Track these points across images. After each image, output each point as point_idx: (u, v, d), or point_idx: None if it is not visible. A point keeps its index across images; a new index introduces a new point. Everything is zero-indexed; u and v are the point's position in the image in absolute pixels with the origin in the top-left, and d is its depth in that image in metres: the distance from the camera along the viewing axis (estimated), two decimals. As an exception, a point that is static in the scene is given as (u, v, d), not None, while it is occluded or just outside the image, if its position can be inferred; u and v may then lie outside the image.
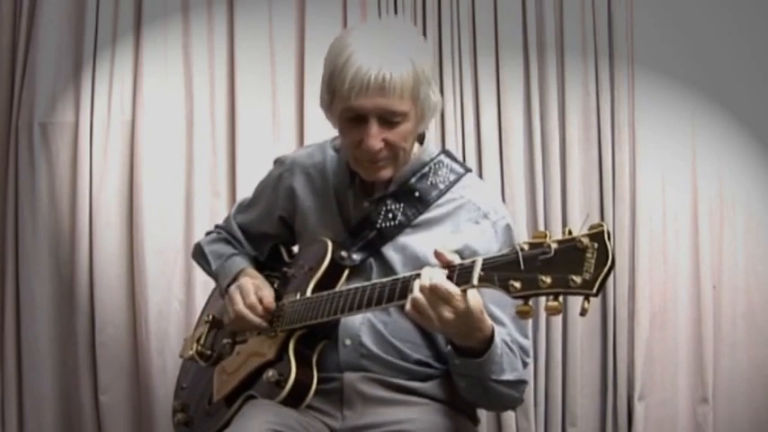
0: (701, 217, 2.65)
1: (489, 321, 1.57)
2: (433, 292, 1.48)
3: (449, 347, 1.64)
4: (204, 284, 2.41)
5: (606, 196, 2.65)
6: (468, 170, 1.84)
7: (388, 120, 1.66)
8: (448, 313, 1.49)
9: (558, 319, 2.62)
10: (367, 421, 1.70)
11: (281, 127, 2.69)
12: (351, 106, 1.65)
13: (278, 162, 1.98)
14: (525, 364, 1.72)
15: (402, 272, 1.69)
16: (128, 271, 2.68)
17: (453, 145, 2.63)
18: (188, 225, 2.66)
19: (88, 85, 2.66)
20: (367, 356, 1.73)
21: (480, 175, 2.62)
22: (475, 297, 1.51)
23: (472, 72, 2.65)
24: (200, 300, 2.27)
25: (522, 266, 1.37)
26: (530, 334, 1.78)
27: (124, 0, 2.66)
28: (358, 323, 1.74)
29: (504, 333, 1.68)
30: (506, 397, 1.67)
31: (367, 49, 1.64)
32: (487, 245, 1.70)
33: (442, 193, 1.78)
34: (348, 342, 1.73)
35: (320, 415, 1.73)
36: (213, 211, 2.63)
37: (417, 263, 1.67)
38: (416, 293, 1.49)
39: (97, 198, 2.66)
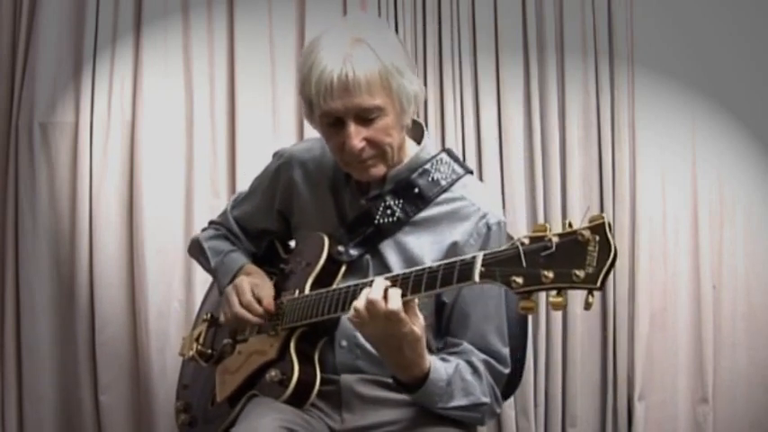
0: (700, 217, 2.65)
1: (427, 358, 1.57)
2: (372, 306, 1.47)
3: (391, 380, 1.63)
4: (204, 284, 2.40)
5: (606, 196, 2.65)
6: (468, 171, 1.81)
7: (364, 117, 1.63)
8: (380, 330, 1.49)
9: (558, 319, 2.63)
10: (366, 422, 1.70)
11: (281, 127, 2.69)
12: (324, 111, 1.63)
13: (276, 155, 1.95)
14: (501, 375, 1.71)
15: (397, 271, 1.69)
16: (128, 271, 2.68)
17: (453, 145, 2.63)
18: (188, 225, 2.66)
19: (88, 85, 2.66)
20: (362, 357, 1.72)
21: (480, 175, 2.62)
22: (419, 328, 1.50)
23: (472, 72, 2.65)
24: (200, 300, 2.27)
25: (524, 262, 1.35)
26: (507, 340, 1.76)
27: (124, 0, 2.66)
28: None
29: (476, 357, 1.67)
30: (465, 418, 1.67)
31: (330, 50, 1.61)
32: (483, 245, 1.69)
33: (442, 190, 1.75)
34: (344, 343, 1.72)
35: (321, 414, 1.72)
36: (213, 211, 2.61)
37: (413, 263, 1.67)
38: (359, 303, 1.49)
39: (97, 198, 2.65)
